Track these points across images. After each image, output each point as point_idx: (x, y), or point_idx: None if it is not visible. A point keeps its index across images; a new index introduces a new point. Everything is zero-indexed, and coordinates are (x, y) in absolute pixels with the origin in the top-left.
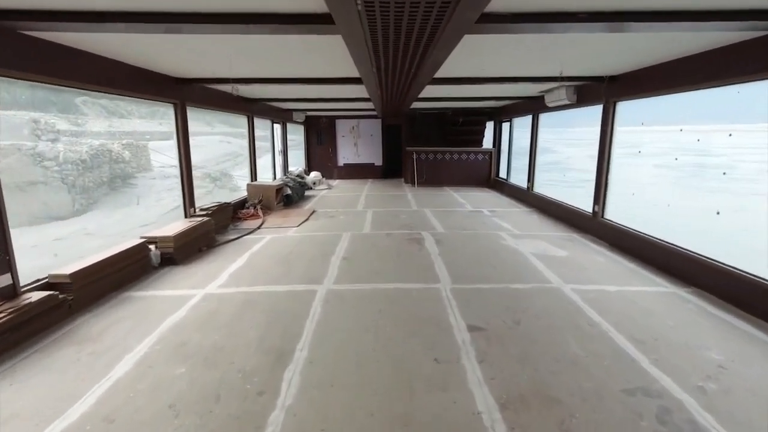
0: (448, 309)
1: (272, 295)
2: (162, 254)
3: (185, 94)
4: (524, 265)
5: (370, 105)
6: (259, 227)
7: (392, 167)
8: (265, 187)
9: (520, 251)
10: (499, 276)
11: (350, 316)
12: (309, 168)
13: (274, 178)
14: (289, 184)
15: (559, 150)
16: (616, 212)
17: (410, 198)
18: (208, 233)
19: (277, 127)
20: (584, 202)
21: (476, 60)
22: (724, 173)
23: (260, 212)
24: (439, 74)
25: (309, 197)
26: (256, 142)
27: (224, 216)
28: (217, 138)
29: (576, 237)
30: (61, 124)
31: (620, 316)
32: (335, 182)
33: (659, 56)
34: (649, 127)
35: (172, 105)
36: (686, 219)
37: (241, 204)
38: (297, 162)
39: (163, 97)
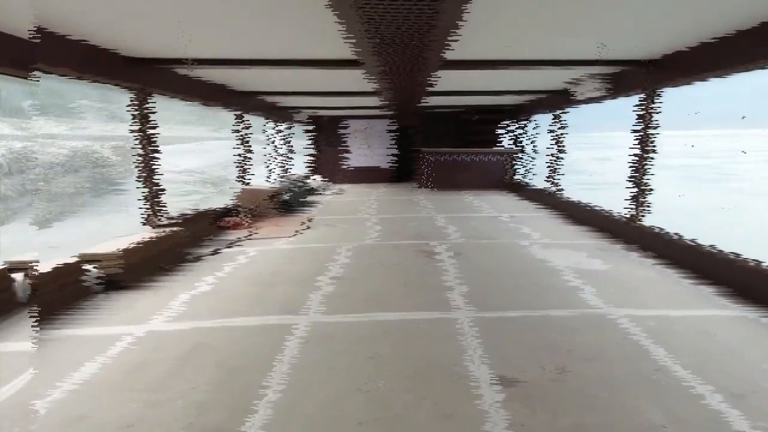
0: (468, 350)
1: (235, 333)
2: (106, 276)
3: (148, 78)
4: (559, 283)
5: (378, 102)
6: (245, 238)
7: (406, 170)
8: (257, 192)
9: (551, 265)
10: (530, 299)
11: (337, 366)
12: (316, 171)
13: (273, 182)
14: (288, 188)
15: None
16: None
17: (423, 203)
18: (176, 247)
19: (277, 126)
20: (610, 206)
21: (495, 37)
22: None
23: (249, 221)
24: (454, 56)
25: (313, 203)
26: (259, 145)
27: (203, 225)
28: (226, 143)
29: (611, 246)
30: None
31: (698, 356)
32: (344, 186)
33: (718, 28)
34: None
35: (133, 90)
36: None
37: (230, 211)
38: (303, 165)
39: (117, 80)
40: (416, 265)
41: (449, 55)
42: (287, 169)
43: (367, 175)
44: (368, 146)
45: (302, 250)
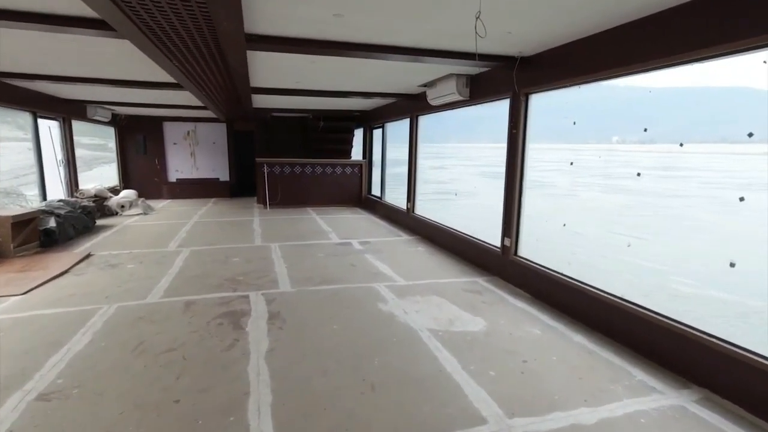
0: None
1: None
2: None
3: None
4: (425, 366)
5: (198, 101)
6: None
7: (244, 183)
8: None
9: (411, 328)
10: (385, 408)
11: None
12: (125, 184)
13: (43, 199)
14: (55, 211)
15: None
16: (535, 245)
17: (257, 226)
18: None
19: (54, 125)
20: (468, 225)
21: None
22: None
23: None
24: (264, 29)
25: (104, 228)
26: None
27: None
28: (27, 145)
29: (483, 283)
30: None
31: None
32: (162, 203)
33: (600, 21)
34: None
35: None
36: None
37: None
38: (105, 176)
39: None
40: (206, 351)
41: (257, 27)
42: (72, 182)
43: (195, 189)
44: (194, 154)
45: (22, 324)
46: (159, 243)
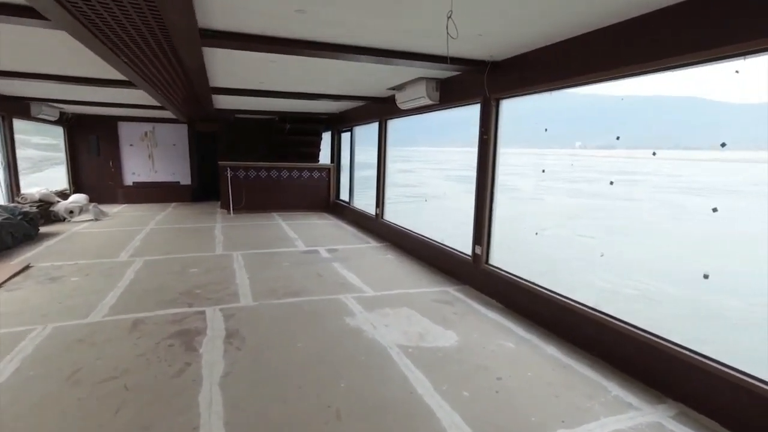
0: None
1: None
2: None
3: None
4: (395, 388)
5: (155, 100)
6: None
7: (208, 187)
8: None
9: (380, 345)
10: None
11: None
12: (75, 188)
13: None
14: None
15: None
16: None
17: (219, 233)
18: None
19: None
20: (439, 231)
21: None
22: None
23: None
24: (220, 24)
25: (48, 236)
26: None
27: None
28: None
29: (454, 293)
30: None
31: None
32: (117, 208)
33: (570, 27)
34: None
35: None
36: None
37: None
38: (57, 179)
39: None
40: (150, 379)
41: (212, 22)
42: (13, 185)
43: (154, 194)
44: (153, 156)
45: None
46: (109, 252)
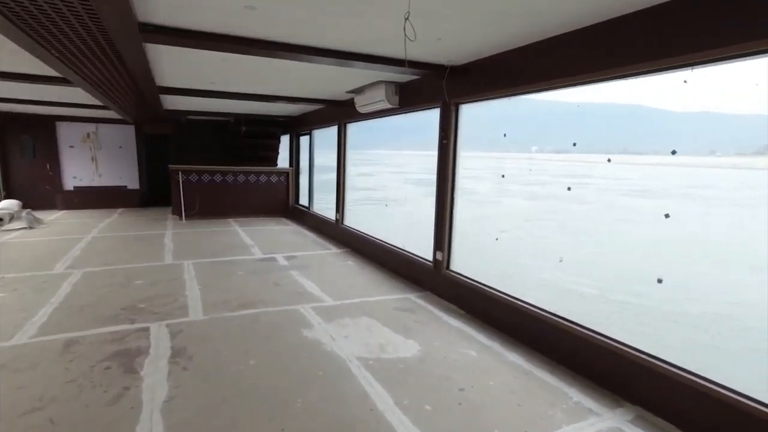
0: None
1: None
2: None
3: None
4: (354, 405)
5: (96, 99)
6: None
7: (158, 192)
8: None
9: (339, 358)
10: None
11: None
12: (6, 193)
13: None
14: None
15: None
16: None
17: (169, 241)
18: None
19: None
20: (400, 236)
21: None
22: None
23: None
24: (161, 18)
25: None
26: None
27: None
28: None
29: (416, 300)
30: None
31: None
32: (54, 215)
33: (528, 33)
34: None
35: None
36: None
37: None
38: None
39: None
40: (81, 408)
41: (153, 16)
42: None
43: (98, 199)
44: (96, 159)
45: None
46: (43, 264)
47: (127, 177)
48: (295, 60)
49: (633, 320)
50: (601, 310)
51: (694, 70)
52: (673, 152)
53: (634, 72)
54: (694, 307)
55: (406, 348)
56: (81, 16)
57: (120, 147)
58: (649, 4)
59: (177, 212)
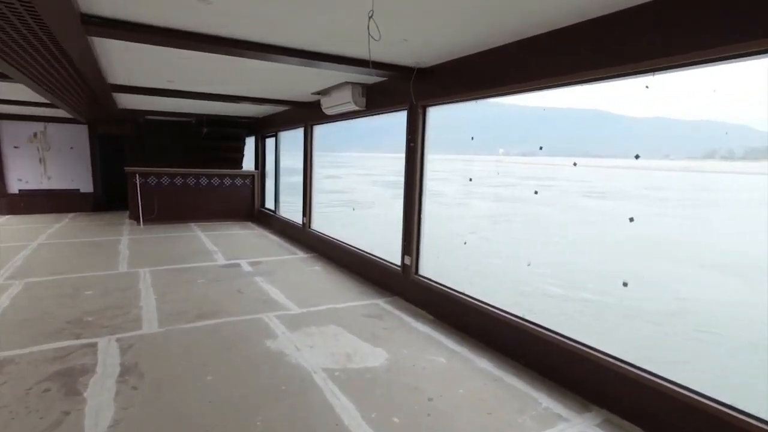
0: None
1: None
2: None
3: None
4: (319, 420)
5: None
6: None
7: (115, 196)
8: None
9: (304, 369)
10: None
11: None
12: None
13: None
14: None
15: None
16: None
17: (124, 248)
18: None
19: None
20: (369, 239)
21: None
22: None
23: None
24: (104, 10)
25: None
26: None
27: None
28: None
29: (384, 306)
30: None
31: None
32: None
33: (494, 36)
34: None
35: None
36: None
37: None
38: None
39: None
40: None
41: (98, 8)
42: None
43: (47, 203)
44: (45, 160)
45: None
46: None
47: (80, 180)
48: (255, 59)
49: (593, 318)
50: (564, 309)
51: (655, 75)
52: (637, 156)
53: (597, 77)
54: (651, 305)
55: (374, 357)
56: (12, 3)
57: (72, 148)
58: (600, 14)
59: (134, 217)
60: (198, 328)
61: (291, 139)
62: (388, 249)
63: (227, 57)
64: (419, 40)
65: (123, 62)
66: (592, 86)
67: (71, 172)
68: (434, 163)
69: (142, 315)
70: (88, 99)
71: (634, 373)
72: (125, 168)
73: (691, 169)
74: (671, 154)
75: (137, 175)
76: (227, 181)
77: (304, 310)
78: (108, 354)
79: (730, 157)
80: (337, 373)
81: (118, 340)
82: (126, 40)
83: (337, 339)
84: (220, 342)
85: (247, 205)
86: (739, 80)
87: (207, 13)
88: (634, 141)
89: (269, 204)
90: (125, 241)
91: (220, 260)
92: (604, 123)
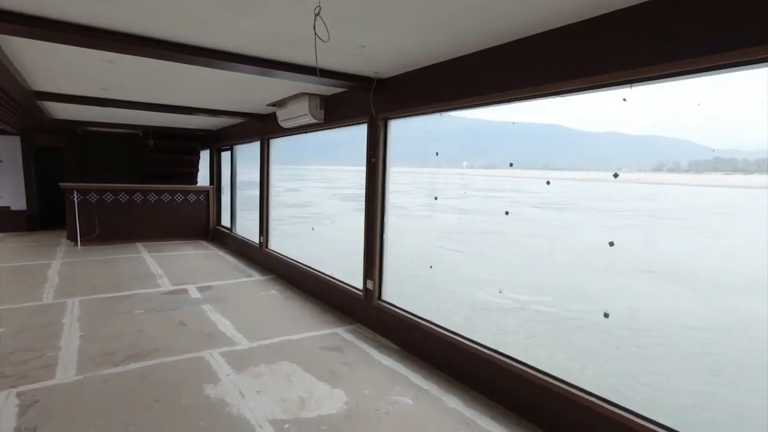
0: None
1: None
2: None
3: None
4: None
5: None
6: None
7: (51, 214)
8: None
9: (247, 423)
10: None
11: None
12: None
13: None
14: None
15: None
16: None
17: (54, 273)
18: None
19: None
20: (329, 256)
21: None
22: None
23: None
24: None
25: None
26: None
27: None
28: None
29: (345, 335)
30: None
31: None
32: None
33: (459, 45)
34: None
35: None
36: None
37: None
38: None
39: None
40: None
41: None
42: None
43: None
44: None
45: None
46: None
47: (10, 196)
48: (179, 62)
49: (541, 327)
50: (519, 320)
51: (633, 87)
52: (615, 175)
53: (567, 89)
54: (596, 315)
55: (332, 401)
56: None
57: (1, 161)
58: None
59: (72, 237)
60: (124, 374)
61: (251, 151)
62: (352, 269)
63: (164, 63)
64: (377, 47)
65: (43, 66)
66: (551, 101)
67: (1, 188)
68: (397, 175)
69: (59, 359)
70: (11, 108)
71: (612, 411)
72: (60, 184)
73: (642, 181)
74: (624, 166)
75: (75, 192)
76: (179, 198)
77: (255, 345)
78: (1, 415)
79: (676, 169)
80: (286, 426)
81: (19, 394)
82: (28, 36)
83: (289, 380)
84: (149, 391)
85: (200, 223)
86: (679, 96)
87: (130, 9)
88: (589, 154)
89: (226, 221)
90: (57, 265)
91: (165, 286)
92: (561, 138)
